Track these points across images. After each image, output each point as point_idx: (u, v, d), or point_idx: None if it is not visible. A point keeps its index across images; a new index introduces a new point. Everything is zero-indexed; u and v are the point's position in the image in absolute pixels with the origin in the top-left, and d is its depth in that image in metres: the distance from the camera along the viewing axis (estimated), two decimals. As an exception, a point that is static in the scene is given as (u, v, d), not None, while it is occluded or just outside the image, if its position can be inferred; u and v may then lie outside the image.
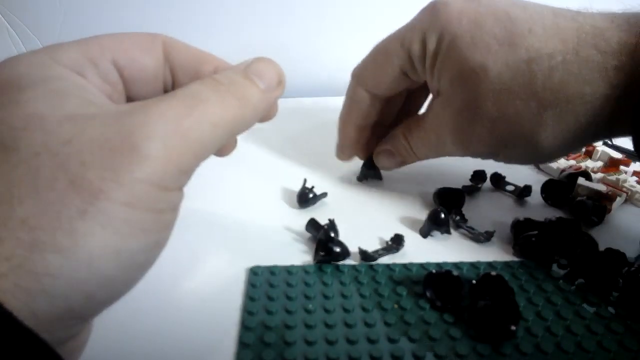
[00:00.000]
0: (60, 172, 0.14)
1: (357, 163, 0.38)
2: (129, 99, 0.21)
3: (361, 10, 0.58)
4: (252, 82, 0.20)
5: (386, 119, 0.36)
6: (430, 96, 0.33)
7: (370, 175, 0.37)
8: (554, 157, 0.33)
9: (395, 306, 0.24)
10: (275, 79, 0.21)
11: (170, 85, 0.22)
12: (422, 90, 0.35)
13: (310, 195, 0.33)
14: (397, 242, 0.29)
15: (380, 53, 0.32)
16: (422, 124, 0.32)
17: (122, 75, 0.20)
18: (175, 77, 0.22)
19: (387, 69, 0.32)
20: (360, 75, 0.34)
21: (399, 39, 0.31)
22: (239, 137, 0.23)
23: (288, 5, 0.57)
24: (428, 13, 0.29)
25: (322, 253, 0.27)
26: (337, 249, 0.27)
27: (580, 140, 0.28)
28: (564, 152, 0.30)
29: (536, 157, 0.31)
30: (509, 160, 0.31)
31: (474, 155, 0.31)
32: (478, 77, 0.27)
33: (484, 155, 0.31)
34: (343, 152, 0.37)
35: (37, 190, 0.14)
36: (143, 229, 0.16)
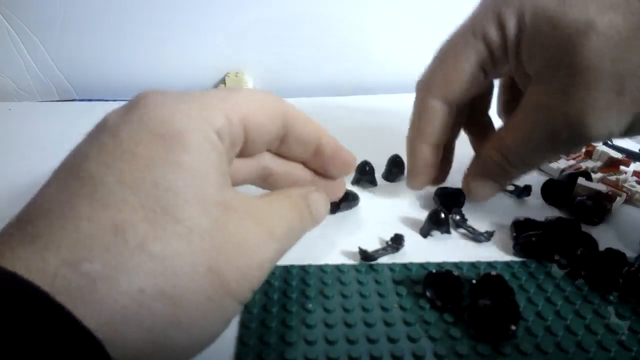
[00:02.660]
0: (204, 259, 0.16)
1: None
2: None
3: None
4: (312, 216, 0.22)
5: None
6: (494, 102, 0.31)
7: (363, 180, 0.37)
8: None
9: (396, 306, 0.24)
10: (323, 216, 0.23)
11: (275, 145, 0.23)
12: (485, 97, 0.33)
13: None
14: (397, 242, 0.29)
15: (449, 52, 0.28)
16: (517, 126, 0.27)
17: (245, 138, 0.21)
18: (287, 144, 0.23)
19: (463, 67, 0.28)
20: (428, 82, 0.29)
21: (469, 29, 0.27)
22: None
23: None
24: None
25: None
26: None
27: None
28: None
29: None
30: None
31: (604, 134, 0.25)
32: (586, 35, 0.23)
33: (621, 130, 0.25)
34: (415, 180, 0.32)
35: (183, 269, 0.15)
36: (227, 322, 0.17)
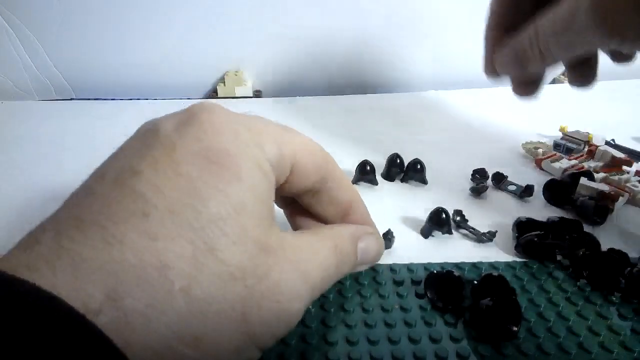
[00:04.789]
0: (239, 305, 0.15)
1: (352, 165, 0.37)
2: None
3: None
4: (357, 259, 0.21)
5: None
6: None
7: (364, 179, 0.36)
8: None
9: (396, 307, 0.24)
10: (373, 262, 0.23)
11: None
12: None
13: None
14: (384, 237, 0.28)
15: None
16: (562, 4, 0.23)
17: (288, 178, 0.20)
18: (319, 199, 0.22)
19: None
20: None
21: None
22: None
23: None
24: None
25: None
26: None
27: None
28: None
29: None
30: None
31: (619, 28, 0.21)
32: None
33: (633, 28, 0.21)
34: (485, 64, 0.29)
35: (218, 315, 0.15)
36: None
